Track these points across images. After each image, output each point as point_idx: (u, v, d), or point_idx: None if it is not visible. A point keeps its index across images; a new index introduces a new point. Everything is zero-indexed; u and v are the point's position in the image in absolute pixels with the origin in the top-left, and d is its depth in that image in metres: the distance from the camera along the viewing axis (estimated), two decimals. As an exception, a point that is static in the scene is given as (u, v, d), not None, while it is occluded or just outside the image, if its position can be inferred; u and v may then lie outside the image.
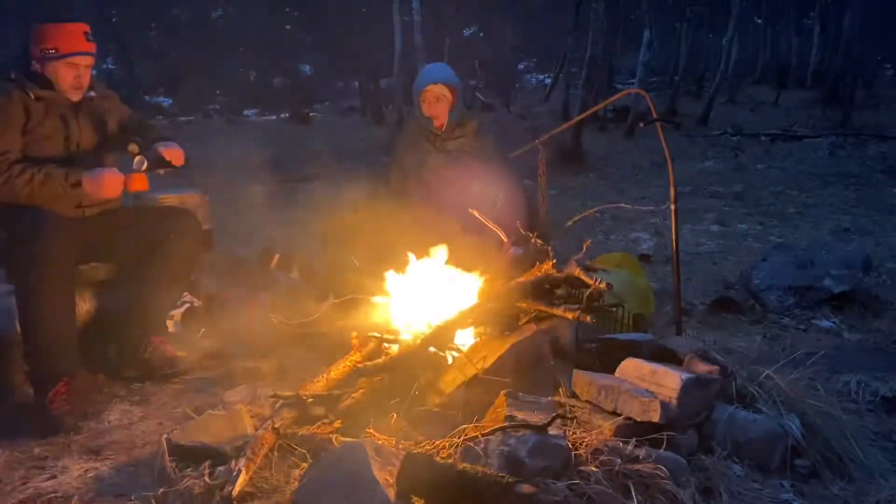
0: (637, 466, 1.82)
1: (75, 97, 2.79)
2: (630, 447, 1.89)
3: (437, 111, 3.64)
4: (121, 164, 2.82)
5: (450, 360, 2.46)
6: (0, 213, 2.61)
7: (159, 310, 2.99)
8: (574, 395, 2.25)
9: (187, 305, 3.23)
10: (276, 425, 2.08)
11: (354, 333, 2.69)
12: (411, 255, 2.85)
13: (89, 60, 2.78)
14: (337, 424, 2.21)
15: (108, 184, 2.69)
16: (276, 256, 4.12)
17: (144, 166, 2.77)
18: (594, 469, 1.78)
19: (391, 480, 1.73)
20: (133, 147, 2.76)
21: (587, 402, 2.20)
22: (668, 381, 2.14)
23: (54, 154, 2.73)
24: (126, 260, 2.97)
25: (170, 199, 3.38)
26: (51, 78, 2.72)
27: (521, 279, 2.62)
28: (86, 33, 2.75)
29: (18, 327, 2.57)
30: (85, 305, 2.88)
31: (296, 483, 1.86)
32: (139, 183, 2.78)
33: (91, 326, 2.93)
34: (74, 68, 2.73)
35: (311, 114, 17.89)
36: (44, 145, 2.71)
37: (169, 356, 2.94)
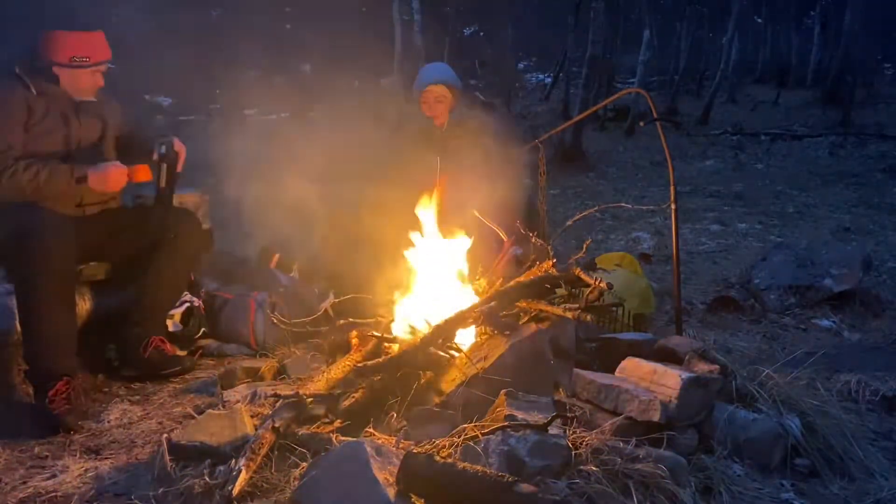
0: (637, 466, 1.81)
1: (89, 97, 2.83)
2: (630, 447, 1.89)
3: (437, 111, 3.64)
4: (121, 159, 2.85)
5: (450, 360, 2.46)
6: (1, 212, 2.61)
7: (159, 309, 3.00)
8: (574, 395, 2.25)
9: (187, 305, 3.23)
10: (276, 425, 2.08)
11: (354, 333, 2.69)
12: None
13: (107, 65, 2.85)
14: (337, 424, 2.22)
15: (112, 176, 2.73)
16: (276, 256, 4.12)
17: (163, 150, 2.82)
18: (594, 469, 1.78)
19: (391, 480, 1.73)
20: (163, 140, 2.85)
21: (587, 401, 2.20)
22: (668, 380, 2.13)
23: (54, 151, 2.74)
24: (126, 259, 2.97)
25: (170, 198, 3.38)
26: (69, 82, 2.76)
27: (522, 279, 2.63)
28: (104, 38, 2.83)
29: (19, 327, 2.58)
30: (85, 305, 2.88)
31: (296, 483, 1.86)
32: (142, 174, 2.82)
33: (91, 326, 2.93)
34: (99, 75, 2.81)
35: (311, 113, 17.90)
36: (43, 141, 2.72)
37: (169, 356, 2.94)
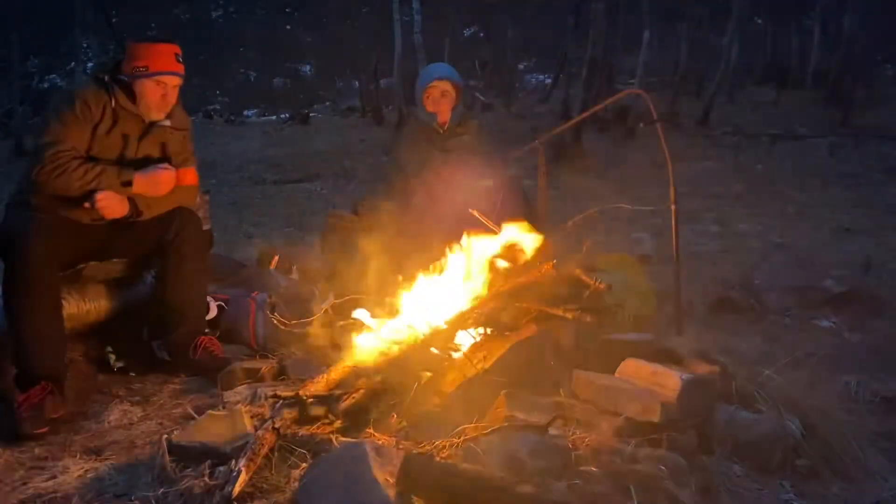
0: (637, 467, 1.82)
1: (158, 116, 2.83)
2: (630, 447, 1.89)
3: (441, 107, 3.65)
4: None
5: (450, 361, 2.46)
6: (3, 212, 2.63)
7: (192, 309, 2.96)
8: (574, 396, 2.25)
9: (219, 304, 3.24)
10: (276, 425, 2.08)
11: (356, 333, 2.69)
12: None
13: (177, 81, 2.83)
14: (337, 424, 2.21)
15: (163, 179, 2.81)
16: (276, 257, 4.13)
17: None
18: (594, 469, 1.78)
19: (391, 480, 1.73)
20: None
21: (587, 402, 2.20)
22: (668, 381, 2.14)
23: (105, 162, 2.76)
24: (128, 260, 2.98)
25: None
26: (138, 94, 2.77)
27: (522, 280, 2.63)
28: (176, 54, 2.81)
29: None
30: (85, 306, 2.88)
31: (296, 483, 1.86)
32: (191, 177, 2.91)
33: (93, 326, 2.93)
34: (162, 87, 2.79)
35: (310, 114, 17.93)
36: (99, 156, 2.74)
37: (219, 357, 2.92)
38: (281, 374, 2.85)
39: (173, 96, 2.84)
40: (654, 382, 2.17)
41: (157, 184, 2.80)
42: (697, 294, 4.26)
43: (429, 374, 2.39)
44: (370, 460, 1.76)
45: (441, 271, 2.77)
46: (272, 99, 21.38)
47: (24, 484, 2.06)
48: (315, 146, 13.97)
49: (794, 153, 11.04)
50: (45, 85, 20.76)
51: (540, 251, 2.63)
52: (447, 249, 2.77)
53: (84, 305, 2.87)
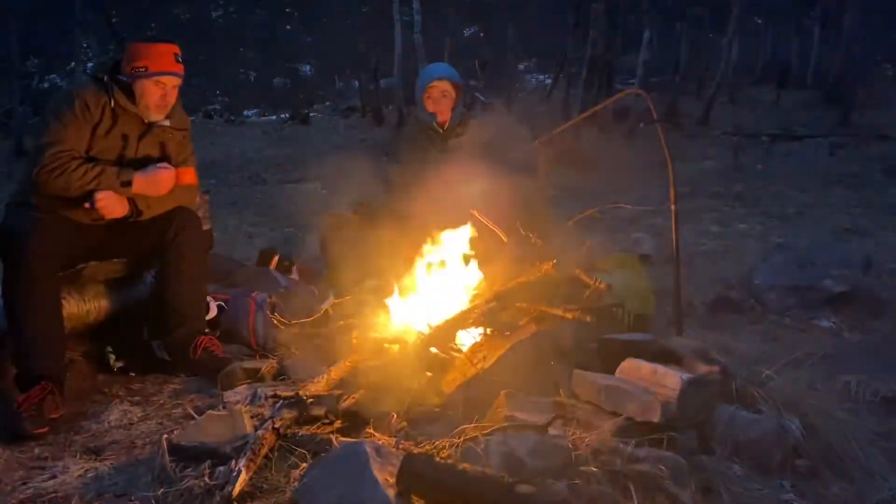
0: (637, 467, 1.81)
1: (157, 116, 2.83)
2: (630, 447, 1.89)
3: (441, 107, 3.65)
4: None
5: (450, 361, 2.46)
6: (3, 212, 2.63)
7: (191, 308, 2.96)
8: (574, 396, 2.24)
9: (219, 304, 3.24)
10: (276, 425, 2.08)
11: (355, 333, 2.69)
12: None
13: (176, 81, 2.83)
14: (337, 425, 2.22)
15: (163, 179, 2.81)
16: (276, 257, 4.13)
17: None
18: (594, 469, 1.78)
19: (391, 480, 1.73)
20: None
21: (587, 402, 2.20)
22: (668, 381, 2.14)
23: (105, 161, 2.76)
24: (128, 260, 2.98)
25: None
26: (137, 94, 2.77)
27: (522, 279, 2.63)
28: (175, 55, 2.81)
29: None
30: (85, 306, 2.88)
31: (296, 483, 1.86)
32: (189, 176, 2.93)
33: (93, 326, 2.93)
34: (161, 87, 2.79)
35: (310, 114, 17.93)
36: (95, 153, 2.75)
37: (219, 357, 2.92)
38: (281, 374, 2.85)
39: (173, 96, 2.84)
40: (654, 382, 2.17)
41: (157, 184, 2.81)
42: (697, 294, 4.26)
43: (429, 374, 2.40)
44: (370, 460, 1.76)
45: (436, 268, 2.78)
46: (272, 99, 21.38)
47: (24, 484, 2.06)
48: (315, 146, 13.96)
49: (794, 153, 11.03)
50: (45, 85, 20.74)
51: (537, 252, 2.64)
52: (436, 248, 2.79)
53: (84, 305, 2.87)
